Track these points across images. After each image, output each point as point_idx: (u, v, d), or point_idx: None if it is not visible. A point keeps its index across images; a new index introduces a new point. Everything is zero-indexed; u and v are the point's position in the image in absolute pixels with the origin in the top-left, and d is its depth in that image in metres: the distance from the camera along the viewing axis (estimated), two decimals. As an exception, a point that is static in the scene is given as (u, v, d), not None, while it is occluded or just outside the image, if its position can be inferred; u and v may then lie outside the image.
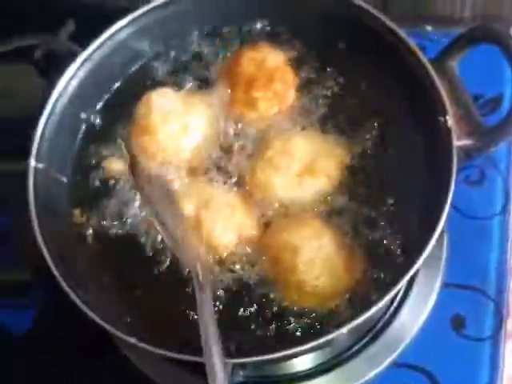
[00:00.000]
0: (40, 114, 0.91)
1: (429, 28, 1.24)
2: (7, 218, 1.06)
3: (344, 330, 0.76)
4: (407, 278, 0.77)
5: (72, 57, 1.14)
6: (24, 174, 1.00)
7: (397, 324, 0.95)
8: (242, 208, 0.87)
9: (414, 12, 1.28)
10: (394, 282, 0.78)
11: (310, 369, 0.95)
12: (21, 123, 1.11)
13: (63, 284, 0.80)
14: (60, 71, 1.10)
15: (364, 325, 0.83)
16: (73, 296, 0.81)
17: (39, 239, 0.83)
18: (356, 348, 0.95)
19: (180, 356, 0.78)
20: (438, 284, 0.97)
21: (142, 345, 0.78)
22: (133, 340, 0.78)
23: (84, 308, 0.80)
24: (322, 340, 0.77)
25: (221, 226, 0.85)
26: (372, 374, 0.94)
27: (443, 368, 0.94)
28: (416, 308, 0.96)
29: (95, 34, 1.08)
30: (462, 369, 0.94)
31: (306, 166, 0.88)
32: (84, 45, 1.07)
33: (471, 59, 0.91)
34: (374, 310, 0.76)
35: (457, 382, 0.94)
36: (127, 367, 0.95)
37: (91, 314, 0.79)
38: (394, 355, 0.94)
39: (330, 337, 0.77)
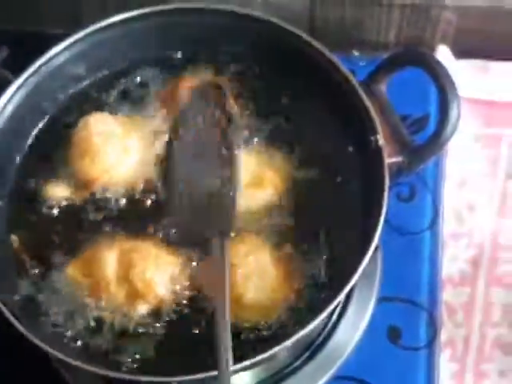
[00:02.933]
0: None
1: (356, 53, 1.30)
2: None
3: (288, 342, 0.78)
4: (347, 289, 0.80)
5: (5, 83, 1.14)
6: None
7: (335, 338, 0.98)
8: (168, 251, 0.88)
9: (341, 37, 1.34)
10: (334, 294, 0.80)
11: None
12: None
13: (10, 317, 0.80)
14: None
15: (305, 339, 0.85)
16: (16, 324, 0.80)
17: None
18: (295, 364, 0.97)
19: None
20: (373, 298, 1.00)
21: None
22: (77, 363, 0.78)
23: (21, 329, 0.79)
24: (264, 355, 0.78)
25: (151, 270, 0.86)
26: (314, 388, 0.96)
27: (382, 378, 0.98)
28: (354, 322, 0.99)
29: (30, 61, 1.09)
30: (400, 378, 0.98)
31: (252, 178, 0.91)
32: (18, 72, 1.08)
33: (398, 81, 0.95)
34: (318, 319, 0.78)
35: (396, 392, 0.97)
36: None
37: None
38: (334, 369, 0.97)
39: (272, 351, 0.78)
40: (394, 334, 1.00)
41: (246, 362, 0.79)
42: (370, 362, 0.98)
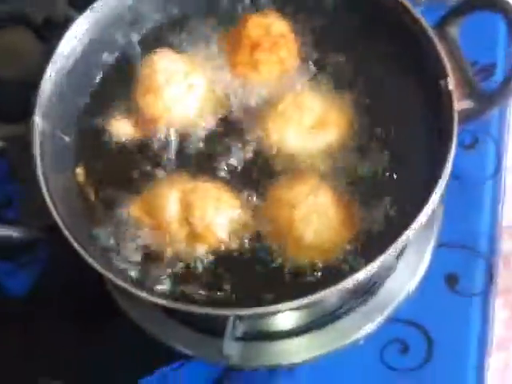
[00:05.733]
0: (43, 71, 0.91)
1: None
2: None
3: (341, 285, 0.78)
4: (412, 232, 0.79)
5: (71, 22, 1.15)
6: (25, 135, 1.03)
7: (392, 281, 0.98)
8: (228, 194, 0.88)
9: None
10: (392, 241, 0.80)
11: (302, 325, 0.97)
12: (21, 87, 1.13)
13: (71, 239, 0.82)
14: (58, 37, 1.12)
15: (361, 282, 0.86)
16: (81, 251, 0.82)
17: (46, 196, 0.84)
18: (350, 305, 0.97)
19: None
20: (432, 243, 1.00)
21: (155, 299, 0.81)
22: (143, 294, 0.80)
23: (94, 263, 0.81)
24: (317, 295, 0.79)
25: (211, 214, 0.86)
26: (366, 329, 0.96)
27: (437, 323, 0.98)
28: (411, 265, 0.99)
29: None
30: (455, 323, 0.98)
31: (315, 119, 0.90)
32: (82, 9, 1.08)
33: (466, 27, 0.93)
34: (380, 259, 0.78)
35: (449, 336, 0.97)
36: (133, 329, 0.97)
37: (101, 269, 0.81)
38: (388, 311, 0.97)
39: (324, 293, 0.79)
40: (451, 280, 1.00)
41: (299, 302, 0.79)
42: (427, 307, 0.99)
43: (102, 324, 1.01)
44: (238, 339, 0.84)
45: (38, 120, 0.88)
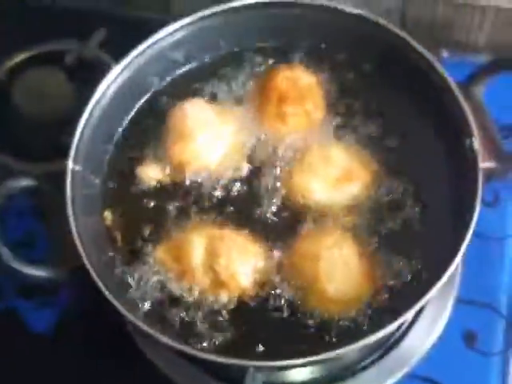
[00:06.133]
0: (79, 116, 0.93)
1: (445, 53, 1.29)
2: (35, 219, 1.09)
3: (365, 341, 0.79)
4: (431, 294, 0.80)
5: (101, 65, 1.19)
6: (52, 174, 1.05)
7: (411, 337, 0.98)
8: (253, 243, 0.90)
9: (431, 36, 1.33)
10: (418, 296, 0.81)
11: (321, 378, 0.97)
12: (51, 126, 1.16)
13: (100, 285, 0.83)
14: (91, 78, 1.15)
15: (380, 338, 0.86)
16: (106, 293, 0.83)
17: (76, 238, 0.85)
18: (369, 360, 0.97)
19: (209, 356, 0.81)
20: (452, 299, 1.00)
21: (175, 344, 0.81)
22: (166, 339, 0.80)
23: (118, 306, 0.82)
24: (341, 351, 0.79)
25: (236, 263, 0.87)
26: (386, 384, 0.97)
27: (454, 381, 0.98)
28: (431, 322, 0.99)
29: (124, 44, 1.12)
30: (473, 382, 0.98)
31: (341, 172, 0.92)
32: (114, 54, 1.12)
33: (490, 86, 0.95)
34: (397, 322, 0.79)
35: (468, 395, 0.97)
36: (151, 371, 0.97)
37: (124, 311, 0.82)
38: (408, 368, 0.97)
39: (342, 351, 0.79)
40: (469, 338, 1.00)
41: (318, 357, 0.79)
42: (444, 363, 0.98)
43: (121, 362, 1.02)
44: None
45: (70, 163, 0.90)
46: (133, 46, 1.07)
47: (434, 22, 1.31)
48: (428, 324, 1.00)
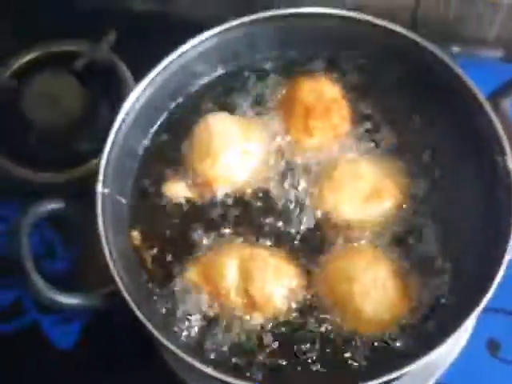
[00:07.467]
0: (105, 138, 0.91)
1: (455, 49, 1.28)
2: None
3: (408, 368, 0.80)
4: (469, 320, 0.81)
5: (113, 67, 1.15)
6: (68, 184, 1.03)
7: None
8: (286, 263, 0.89)
9: (442, 33, 1.31)
10: (457, 317, 0.82)
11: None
12: (63, 133, 1.13)
13: (138, 313, 0.82)
14: (102, 82, 1.12)
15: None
16: (139, 315, 0.82)
17: (109, 262, 0.85)
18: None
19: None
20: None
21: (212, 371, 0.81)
22: (207, 369, 0.80)
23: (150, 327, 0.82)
24: (384, 378, 0.80)
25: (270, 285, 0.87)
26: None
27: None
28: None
29: (133, 46, 1.09)
30: (498, 390, 1.00)
31: (372, 189, 0.91)
32: (124, 56, 1.09)
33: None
34: (440, 349, 0.80)
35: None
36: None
37: (164, 341, 0.82)
38: (437, 375, 0.98)
39: (392, 376, 0.80)
40: (493, 346, 1.01)
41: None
42: (468, 372, 1.00)
43: (147, 377, 1.01)
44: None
45: (100, 187, 0.88)
46: (144, 46, 1.05)
47: (446, 18, 1.29)
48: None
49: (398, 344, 0.86)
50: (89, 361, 1.02)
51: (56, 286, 0.86)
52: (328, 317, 0.87)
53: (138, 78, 0.96)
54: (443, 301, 0.87)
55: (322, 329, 0.86)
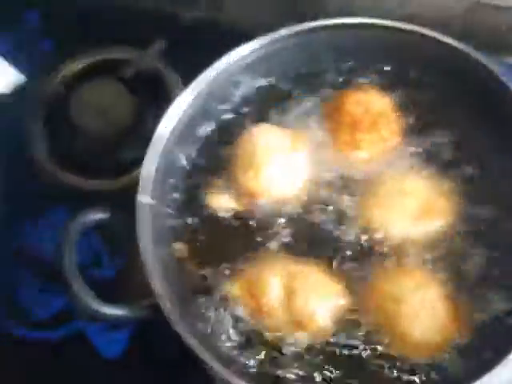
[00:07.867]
0: (146, 148, 0.91)
1: (509, 60, 1.24)
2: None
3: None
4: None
5: (160, 76, 1.16)
6: (116, 193, 1.03)
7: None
8: (331, 281, 0.87)
9: (493, 42, 1.28)
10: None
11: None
12: (111, 142, 1.14)
13: (170, 319, 0.82)
14: (150, 91, 1.12)
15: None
16: (178, 329, 0.82)
17: (152, 275, 0.84)
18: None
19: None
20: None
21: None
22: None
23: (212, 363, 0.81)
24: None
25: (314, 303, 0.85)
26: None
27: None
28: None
29: (182, 54, 1.09)
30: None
31: (422, 207, 0.89)
32: (173, 64, 1.09)
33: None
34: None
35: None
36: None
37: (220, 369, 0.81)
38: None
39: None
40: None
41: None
42: None
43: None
44: None
45: (141, 197, 0.88)
46: (193, 55, 1.04)
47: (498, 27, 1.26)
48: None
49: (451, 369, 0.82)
50: (137, 371, 1.01)
51: (101, 295, 0.86)
52: (374, 338, 0.84)
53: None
54: (497, 323, 0.84)
55: (368, 349, 0.84)
